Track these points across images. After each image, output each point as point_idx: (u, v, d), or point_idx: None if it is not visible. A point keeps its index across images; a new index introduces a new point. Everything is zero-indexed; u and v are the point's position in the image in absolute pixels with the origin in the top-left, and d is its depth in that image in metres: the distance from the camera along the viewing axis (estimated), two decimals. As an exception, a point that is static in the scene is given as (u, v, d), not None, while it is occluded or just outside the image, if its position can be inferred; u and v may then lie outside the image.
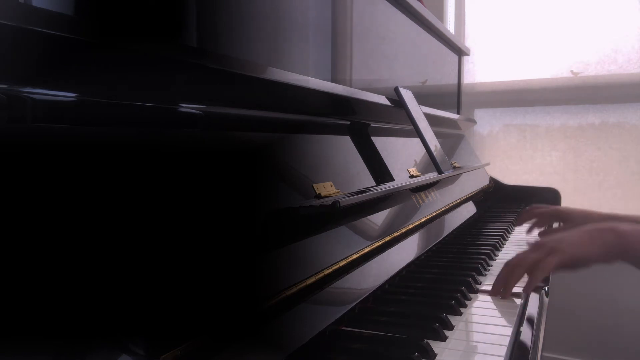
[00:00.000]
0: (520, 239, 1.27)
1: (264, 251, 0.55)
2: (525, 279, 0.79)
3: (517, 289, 0.81)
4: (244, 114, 0.65)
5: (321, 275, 0.60)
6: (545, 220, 1.28)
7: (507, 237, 1.27)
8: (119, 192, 0.42)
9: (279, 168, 0.66)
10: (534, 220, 1.28)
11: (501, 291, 0.78)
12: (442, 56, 1.66)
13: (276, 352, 0.48)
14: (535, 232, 1.28)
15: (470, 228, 1.32)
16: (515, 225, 1.39)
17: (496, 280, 0.80)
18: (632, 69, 1.90)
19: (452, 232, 1.17)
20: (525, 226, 1.35)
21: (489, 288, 0.82)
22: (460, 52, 1.86)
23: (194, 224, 0.47)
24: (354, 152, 0.87)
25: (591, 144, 1.98)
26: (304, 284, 0.56)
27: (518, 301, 0.77)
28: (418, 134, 1.06)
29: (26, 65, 0.39)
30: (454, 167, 1.31)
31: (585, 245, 0.76)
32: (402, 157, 1.07)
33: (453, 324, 0.66)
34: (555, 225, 1.28)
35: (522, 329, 0.68)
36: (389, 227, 0.85)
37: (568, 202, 1.77)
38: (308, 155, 0.73)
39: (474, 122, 2.05)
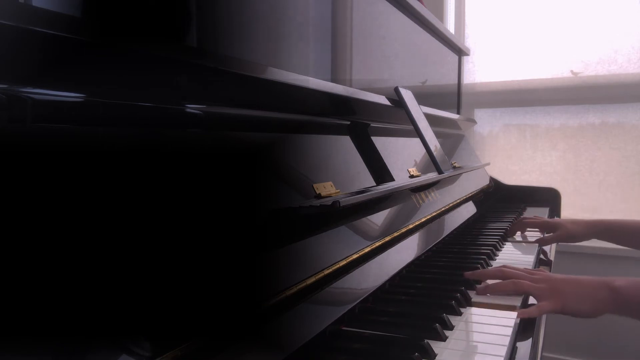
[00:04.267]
0: (519, 239, 1.27)
1: (264, 251, 0.55)
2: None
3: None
4: (244, 114, 0.65)
5: (321, 275, 0.60)
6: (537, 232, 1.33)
7: (507, 237, 1.27)
8: (120, 193, 0.42)
9: (279, 168, 0.66)
10: (522, 231, 1.32)
11: (481, 288, 0.81)
12: (442, 56, 1.66)
13: (276, 352, 0.48)
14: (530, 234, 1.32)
15: (470, 228, 1.32)
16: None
17: (482, 271, 0.86)
18: (632, 69, 1.90)
19: (452, 232, 1.17)
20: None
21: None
22: (460, 52, 1.86)
23: (194, 224, 0.47)
24: (354, 152, 0.87)
25: (591, 144, 1.97)
26: (304, 284, 0.56)
27: (518, 301, 0.77)
28: (418, 134, 1.06)
29: (26, 65, 0.39)
30: (454, 167, 1.31)
31: (579, 301, 0.79)
32: (402, 157, 1.07)
33: (453, 324, 0.66)
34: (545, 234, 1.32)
35: (522, 328, 0.69)
36: (389, 227, 0.85)
37: (568, 202, 1.77)
38: (308, 155, 0.73)
39: (474, 122, 2.05)
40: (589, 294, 0.79)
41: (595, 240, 1.88)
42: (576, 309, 0.79)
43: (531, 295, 0.80)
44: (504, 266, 0.86)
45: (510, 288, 0.80)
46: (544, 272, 0.86)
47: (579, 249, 1.89)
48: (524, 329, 0.70)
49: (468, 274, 0.84)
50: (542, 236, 1.26)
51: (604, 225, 1.27)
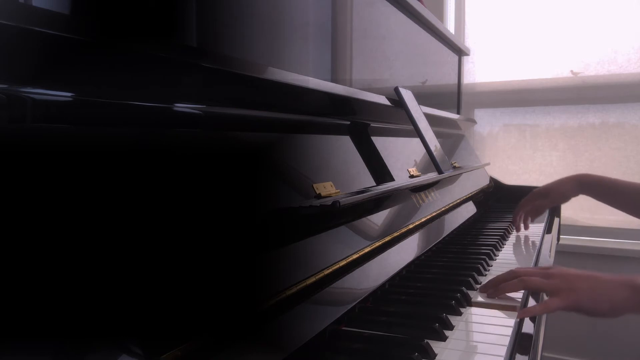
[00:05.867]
0: (520, 239, 1.27)
1: (264, 251, 0.55)
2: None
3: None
4: (244, 114, 0.65)
5: (321, 275, 0.60)
6: (532, 206, 1.37)
7: (507, 237, 1.27)
8: (119, 193, 0.42)
9: (279, 168, 0.66)
10: (521, 214, 1.36)
11: (491, 291, 0.78)
12: (442, 56, 1.66)
13: (276, 352, 0.48)
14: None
15: (470, 228, 1.32)
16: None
17: (494, 279, 0.80)
18: (632, 69, 1.90)
19: (452, 232, 1.17)
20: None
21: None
22: (460, 52, 1.86)
23: (194, 225, 0.47)
24: (354, 152, 0.87)
25: (591, 144, 1.97)
26: (304, 284, 0.56)
27: (518, 301, 0.77)
28: (418, 134, 1.06)
29: (26, 65, 0.39)
30: (454, 167, 1.31)
31: (596, 299, 0.74)
32: (402, 157, 1.07)
33: (453, 324, 0.66)
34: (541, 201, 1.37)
35: (522, 328, 0.68)
36: (389, 227, 0.85)
37: (568, 202, 1.76)
38: (308, 155, 0.73)
39: (474, 122, 2.05)
40: (607, 293, 0.74)
41: (596, 239, 1.90)
42: (592, 307, 0.73)
43: (542, 291, 0.75)
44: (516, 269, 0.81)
45: (519, 287, 0.76)
46: (558, 268, 0.80)
47: (579, 249, 1.89)
48: (524, 329, 0.70)
49: (482, 288, 0.80)
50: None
51: (592, 180, 1.28)
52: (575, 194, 1.34)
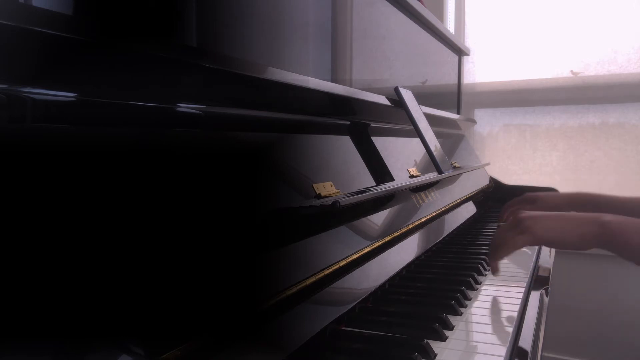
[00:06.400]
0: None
1: (264, 251, 0.55)
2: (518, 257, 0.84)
3: (519, 286, 0.82)
4: (244, 114, 0.65)
5: (321, 275, 0.60)
6: (518, 209, 1.34)
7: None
8: (119, 193, 0.42)
9: (279, 168, 0.66)
10: (508, 213, 1.35)
11: (495, 273, 0.83)
12: (442, 56, 1.66)
13: (276, 352, 0.48)
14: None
15: (470, 228, 1.32)
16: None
17: (490, 263, 0.85)
18: (632, 69, 1.90)
19: (452, 232, 1.17)
20: None
21: (489, 288, 0.82)
22: (460, 52, 1.86)
23: (194, 225, 0.47)
24: (354, 152, 0.87)
25: (591, 144, 1.97)
26: (304, 284, 0.56)
27: (518, 301, 0.77)
28: (418, 134, 1.06)
29: (26, 65, 0.39)
30: (454, 167, 1.31)
31: (562, 231, 0.78)
32: (402, 157, 1.07)
33: (453, 324, 0.66)
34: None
35: (522, 328, 0.69)
36: (389, 227, 0.85)
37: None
38: (308, 155, 0.73)
39: (474, 122, 2.05)
40: (576, 226, 0.78)
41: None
42: (559, 239, 0.78)
43: (522, 243, 0.79)
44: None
45: (500, 256, 0.80)
46: (525, 212, 0.84)
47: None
48: (524, 329, 0.70)
49: (494, 272, 0.84)
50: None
51: (585, 199, 1.26)
52: (566, 210, 1.33)
